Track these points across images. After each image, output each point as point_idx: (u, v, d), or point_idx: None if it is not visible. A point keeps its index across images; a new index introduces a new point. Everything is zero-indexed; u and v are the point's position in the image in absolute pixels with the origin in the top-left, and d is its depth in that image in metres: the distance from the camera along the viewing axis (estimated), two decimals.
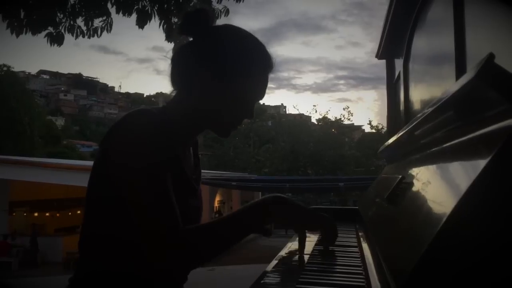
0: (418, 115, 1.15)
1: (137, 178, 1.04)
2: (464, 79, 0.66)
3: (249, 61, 1.17)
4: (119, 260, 1.09)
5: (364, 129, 42.03)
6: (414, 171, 1.10)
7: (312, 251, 1.24)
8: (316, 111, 35.78)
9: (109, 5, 4.81)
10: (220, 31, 1.20)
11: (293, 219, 1.18)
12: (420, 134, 1.14)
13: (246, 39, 1.21)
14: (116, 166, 1.07)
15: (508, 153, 0.55)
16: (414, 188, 0.95)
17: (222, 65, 1.15)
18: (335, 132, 33.90)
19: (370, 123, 34.56)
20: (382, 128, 30.08)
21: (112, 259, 1.10)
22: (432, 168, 0.93)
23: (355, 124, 39.54)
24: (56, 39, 4.78)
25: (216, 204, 24.89)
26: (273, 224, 1.18)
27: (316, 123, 36.46)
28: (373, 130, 34.21)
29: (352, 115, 35.57)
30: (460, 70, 1.07)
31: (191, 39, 1.20)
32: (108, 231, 1.10)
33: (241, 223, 1.13)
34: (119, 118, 1.12)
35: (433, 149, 1.00)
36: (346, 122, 34.81)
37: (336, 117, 34.47)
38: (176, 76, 1.20)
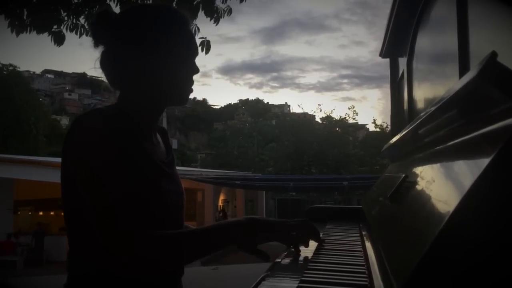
0: (421, 114, 1.14)
1: (92, 179, 1.04)
2: (466, 78, 0.66)
3: (163, 28, 1.19)
4: (100, 260, 1.08)
5: (368, 128, 41.99)
6: (418, 170, 1.10)
7: (315, 250, 1.24)
8: (320, 110, 35.64)
9: (112, 5, 4.81)
10: (124, 19, 1.23)
11: (268, 236, 1.17)
12: (423, 133, 1.14)
13: (149, 11, 1.24)
14: (74, 170, 1.08)
15: (510, 151, 0.55)
16: (417, 187, 0.95)
17: (144, 46, 1.17)
18: (339, 131, 33.86)
19: (374, 122, 34.42)
20: (387, 127, 30.00)
21: (94, 260, 1.09)
22: (435, 166, 0.93)
23: (359, 123, 39.47)
24: (58, 39, 4.79)
25: (220, 203, 24.92)
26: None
27: (320, 122, 36.43)
28: (377, 129, 34.17)
29: (357, 114, 35.39)
30: (463, 69, 1.07)
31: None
32: (83, 233, 1.11)
33: (209, 241, 1.12)
34: (71, 122, 1.13)
35: (437, 147, 1.00)
36: (350, 121, 34.77)
37: (340, 116, 34.42)
38: (113, 78, 1.23)
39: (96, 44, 1.21)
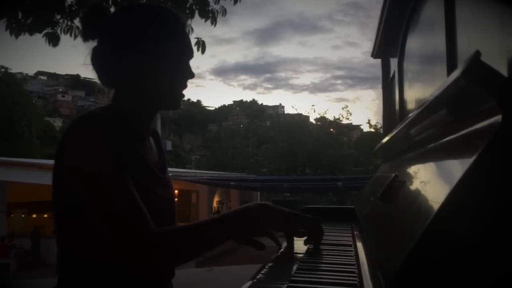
0: (410, 114, 1.15)
1: (98, 183, 1.03)
2: (451, 78, 0.66)
3: (158, 28, 1.17)
4: (96, 260, 1.07)
5: (362, 129, 42.09)
6: (407, 169, 1.10)
7: (307, 250, 1.25)
8: (314, 111, 35.67)
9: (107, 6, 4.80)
10: (120, 16, 1.21)
11: (278, 224, 1.16)
12: (412, 133, 1.15)
13: (145, 10, 1.21)
14: (72, 174, 1.06)
15: (494, 150, 0.56)
16: (406, 186, 0.96)
17: (136, 45, 1.14)
18: (333, 131, 33.93)
19: (369, 122, 34.43)
20: (381, 127, 30.03)
21: (86, 260, 1.08)
22: (423, 166, 0.94)
23: (353, 123, 39.56)
24: (52, 40, 4.77)
25: (214, 205, 24.88)
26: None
27: (314, 122, 36.49)
28: (372, 129, 34.25)
29: (350, 115, 35.44)
30: (451, 69, 1.08)
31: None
32: (77, 238, 1.09)
33: (222, 228, 1.11)
34: (67, 126, 1.10)
35: (425, 147, 1.01)
36: (344, 121, 34.86)
37: (334, 117, 34.50)
38: (105, 76, 1.20)
39: (85, 38, 1.18)
